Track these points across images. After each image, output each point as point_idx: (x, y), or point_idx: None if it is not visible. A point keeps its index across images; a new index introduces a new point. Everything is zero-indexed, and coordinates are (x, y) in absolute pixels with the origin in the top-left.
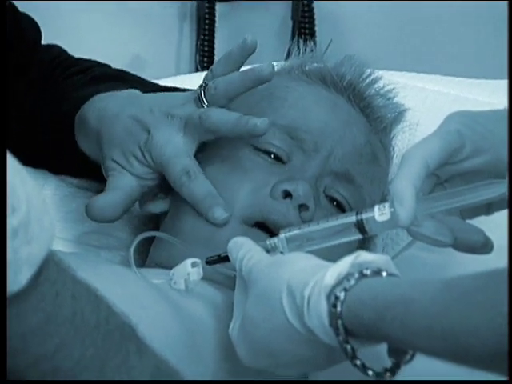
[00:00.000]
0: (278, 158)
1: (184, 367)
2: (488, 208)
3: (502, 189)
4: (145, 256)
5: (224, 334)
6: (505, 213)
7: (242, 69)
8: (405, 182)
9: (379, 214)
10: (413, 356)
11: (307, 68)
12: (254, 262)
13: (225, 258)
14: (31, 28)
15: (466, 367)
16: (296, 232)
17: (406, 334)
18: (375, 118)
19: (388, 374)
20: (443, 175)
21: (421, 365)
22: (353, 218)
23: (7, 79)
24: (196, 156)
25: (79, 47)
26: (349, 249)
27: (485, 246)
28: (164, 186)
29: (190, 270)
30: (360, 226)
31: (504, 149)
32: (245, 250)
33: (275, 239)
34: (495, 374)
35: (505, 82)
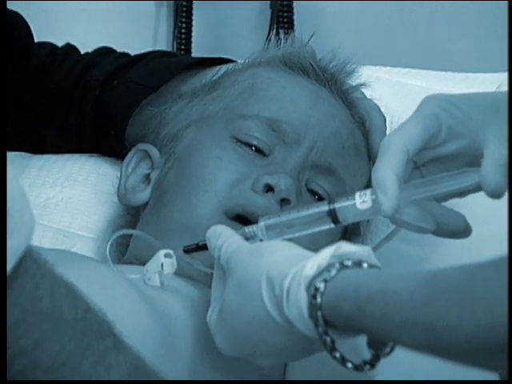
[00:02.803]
0: (259, 151)
1: (161, 364)
2: (461, 191)
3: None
4: (124, 249)
5: (201, 331)
6: (485, 204)
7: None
8: (387, 170)
9: (360, 201)
10: (392, 348)
11: (288, 59)
12: (233, 249)
13: (203, 247)
14: (22, 25)
15: (447, 361)
16: (275, 220)
17: (387, 326)
18: (357, 110)
19: (367, 366)
20: (420, 160)
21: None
22: (330, 207)
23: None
24: (177, 145)
25: (52, 33)
26: (331, 237)
27: (465, 231)
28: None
29: (163, 259)
30: (333, 215)
31: (479, 133)
32: (223, 237)
33: (254, 227)
34: (476, 369)
35: (495, 76)
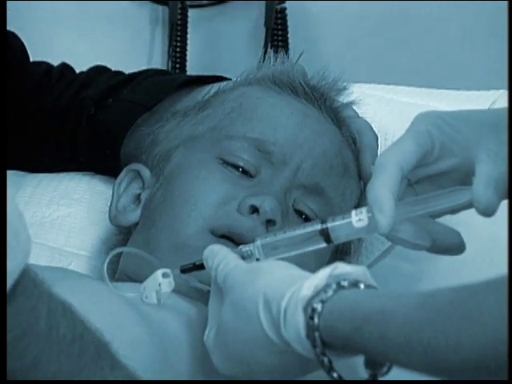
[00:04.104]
0: (246, 172)
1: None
2: (454, 209)
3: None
4: (115, 267)
5: (198, 349)
6: (480, 224)
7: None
8: (382, 188)
9: (356, 219)
10: (390, 368)
11: (278, 78)
12: (230, 268)
13: (200, 266)
14: (17, 44)
15: (446, 380)
16: (271, 239)
17: (384, 347)
18: (348, 128)
19: None
20: (413, 177)
21: None
22: (325, 225)
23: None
24: (166, 165)
25: (48, 52)
26: (324, 256)
27: (459, 247)
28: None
29: (160, 280)
30: (325, 234)
31: (472, 151)
32: (220, 257)
33: (251, 246)
34: None
35: (489, 94)
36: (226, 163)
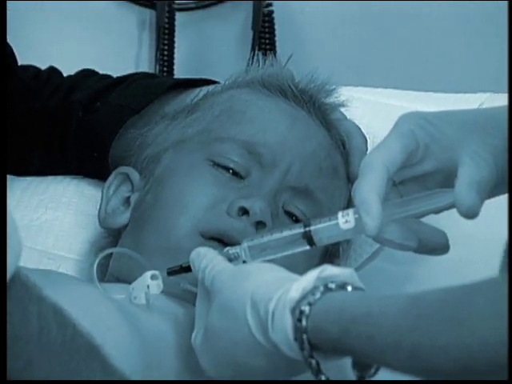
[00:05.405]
0: (236, 174)
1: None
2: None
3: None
4: (104, 269)
5: (186, 350)
6: (471, 225)
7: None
8: (369, 190)
9: (343, 221)
10: (377, 370)
11: (267, 81)
12: (217, 271)
13: (186, 269)
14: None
15: (437, 381)
16: (258, 241)
17: (372, 348)
18: (337, 131)
19: None
20: (397, 178)
21: None
22: (309, 228)
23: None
24: (156, 168)
25: (35, 55)
26: (313, 258)
27: (444, 247)
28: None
29: (149, 282)
30: (308, 237)
31: (455, 151)
32: (207, 259)
33: (237, 248)
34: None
35: (476, 96)
36: (216, 165)
